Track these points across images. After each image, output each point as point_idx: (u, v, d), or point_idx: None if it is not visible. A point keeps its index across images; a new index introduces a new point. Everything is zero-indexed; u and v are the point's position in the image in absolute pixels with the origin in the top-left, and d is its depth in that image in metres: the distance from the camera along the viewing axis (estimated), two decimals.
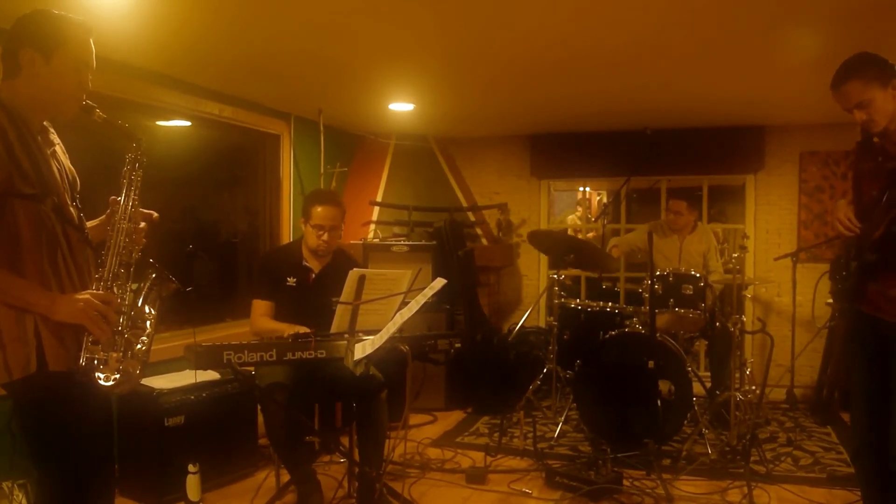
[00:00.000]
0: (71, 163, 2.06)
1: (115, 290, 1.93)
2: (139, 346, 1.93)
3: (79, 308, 1.82)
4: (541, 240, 5.08)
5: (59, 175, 1.93)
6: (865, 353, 2.54)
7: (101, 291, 1.90)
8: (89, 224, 2.05)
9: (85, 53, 1.91)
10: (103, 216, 2.09)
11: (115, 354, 1.87)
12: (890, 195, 2.29)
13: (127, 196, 1.99)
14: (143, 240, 2.04)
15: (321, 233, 3.37)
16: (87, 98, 1.96)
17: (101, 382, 1.84)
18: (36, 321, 1.81)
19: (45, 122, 1.96)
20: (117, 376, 1.85)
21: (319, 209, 3.36)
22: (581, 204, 7.45)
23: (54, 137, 2.00)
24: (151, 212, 2.09)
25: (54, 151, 1.96)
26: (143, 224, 2.04)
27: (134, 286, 1.99)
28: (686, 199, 4.96)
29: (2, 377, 1.81)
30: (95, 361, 1.84)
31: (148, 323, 1.98)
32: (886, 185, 2.33)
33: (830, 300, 2.68)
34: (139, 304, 1.98)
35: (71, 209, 1.94)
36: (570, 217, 7.62)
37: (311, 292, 3.40)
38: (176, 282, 2.07)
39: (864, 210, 2.47)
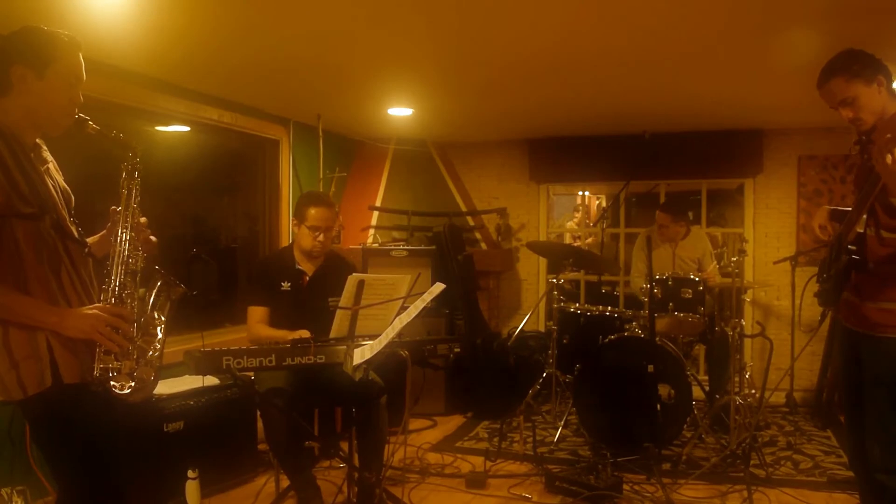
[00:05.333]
0: (66, 173, 2.06)
1: (124, 299, 1.93)
2: (152, 352, 1.94)
3: (88, 324, 1.82)
4: (539, 249, 5.08)
5: (55, 192, 1.93)
6: (843, 361, 2.54)
7: (110, 303, 1.90)
8: (91, 239, 2.05)
9: (77, 68, 1.92)
10: (104, 231, 2.09)
11: (128, 363, 1.87)
12: (862, 193, 2.24)
13: (126, 206, 1.99)
14: (153, 249, 2.05)
15: (317, 233, 3.39)
16: (85, 104, 1.96)
17: (117, 391, 1.84)
18: (47, 336, 1.81)
19: (37, 140, 1.96)
20: (132, 384, 1.86)
21: (314, 210, 3.39)
22: (580, 209, 7.47)
23: (47, 155, 2.00)
24: (143, 218, 2.07)
25: (48, 169, 1.96)
26: (152, 238, 2.04)
27: (141, 291, 1.98)
28: (669, 211, 4.98)
29: (16, 394, 1.81)
30: (109, 371, 1.84)
31: (159, 329, 1.98)
32: (863, 183, 2.28)
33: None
34: (148, 311, 1.98)
35: (70, 224, 1.94)
36: (569, 223, 7.64)
37: (306, 295, 3.42)
38: (182, 285, 2.07)
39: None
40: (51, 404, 1.82)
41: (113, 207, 2.02)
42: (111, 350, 1.85)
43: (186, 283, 2.08)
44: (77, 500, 1.91)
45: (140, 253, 1.99)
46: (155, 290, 2.02)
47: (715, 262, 4.91)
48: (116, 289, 1.92)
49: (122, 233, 1.97)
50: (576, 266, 4.91)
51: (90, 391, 1.83)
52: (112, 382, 1.84)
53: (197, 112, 4.31)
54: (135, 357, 1.89)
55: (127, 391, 1.85)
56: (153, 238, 2.09)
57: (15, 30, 1.89)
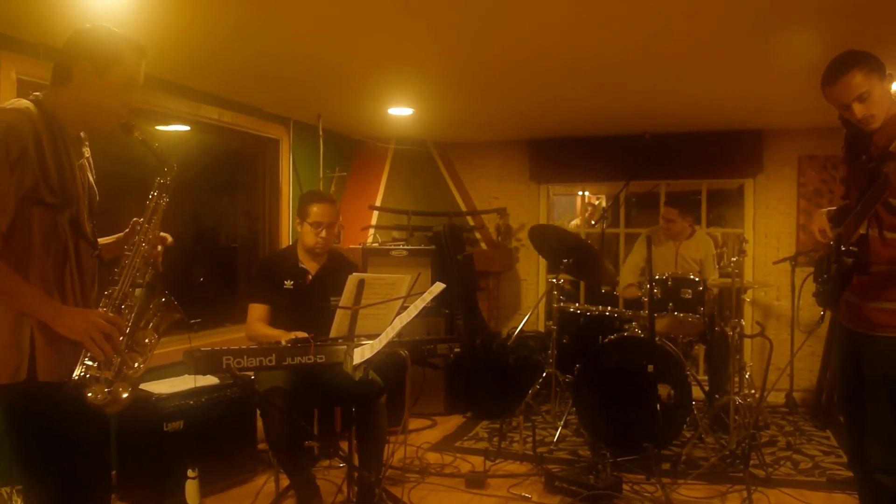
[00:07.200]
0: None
1: (123, 311, 1.92)
2: (133, 369, 1.91)
3: (83, 326, 1.80)
4: (541, 237, 5.01)
5: (82, 188, 1.95)
6: (843, 361, 2.54)
7: (109, 311, 1.89)
8: (104, 240, 2.06)
9: (136, 74, 1.97)
10: (119, 234, 2.10)
11: (108, 373, 1.84)
12: (865, 197, 2.23)
13: (150, 220, 2.01)
14: (160, 265, 2.05)
15: (319, 230, 3.41)
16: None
17: (90, 399, 1.81)
18: (33, 329, 1.79)
19: (81, 133, 1.99)
20: (107, 395, 1.82)
21: (316, 207, 3.42)
22: (588, 208, 7.47)
23: (85, 150, 2.02)
24: (166, 235, 2.09)
25: (82, 164, 1.98)
26: (159, 247, 2.05)
27: (138, 291, 1.96)
28: (678, 206, 4.97)
29: None
30: (88, 377, 1.82)
31: (147, 347, 1.96)
32: (865, 186, 2.26)
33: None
34: (141, 328, 1.96)
35: (86, 223, 1.95)
36: (573, 222, 7.64)
37: (309, 294, 3.42)
38: (182, 312, 2.05)
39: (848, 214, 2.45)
40: (24, 398, 1.80)
41: (135, 219, 2.03)
42: (97, 357, 1.83)
43: (183, 294, 2.07)
44: (39, 498, 1.89)
45: (150, 269, 1.99)
46: (153, 310, 1.99)
47: (716, 273, 4.88)
48: (118, 298, 1.92)
49: (139, 245, 1.97)
50: (572, 269, 4.84)
51: (65, 393, 1.80)
52: (87, 391, 1.80)
53: (197, 111, 4.31)
54: (116, 370, 1.86)
55: (100, 401, 1.82)
56: (169, 238, 2.11)
57: (87, 26, 1.94)
